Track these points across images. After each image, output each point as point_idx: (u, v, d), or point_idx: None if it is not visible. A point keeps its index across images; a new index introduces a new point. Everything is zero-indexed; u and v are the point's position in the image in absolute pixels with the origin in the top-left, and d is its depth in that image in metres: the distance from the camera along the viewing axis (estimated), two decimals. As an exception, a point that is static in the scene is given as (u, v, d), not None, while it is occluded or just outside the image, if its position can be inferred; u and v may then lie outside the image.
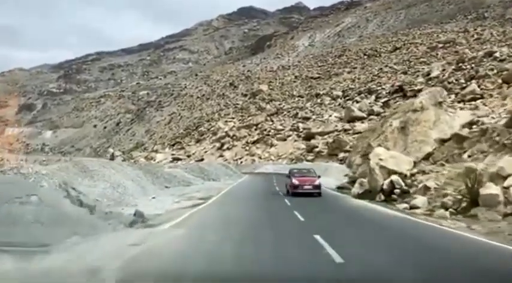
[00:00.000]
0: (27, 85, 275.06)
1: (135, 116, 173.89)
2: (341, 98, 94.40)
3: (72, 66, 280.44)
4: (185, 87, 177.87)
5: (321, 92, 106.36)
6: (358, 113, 75.42)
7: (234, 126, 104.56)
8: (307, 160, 63.93)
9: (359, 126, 68.90)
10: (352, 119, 74.81)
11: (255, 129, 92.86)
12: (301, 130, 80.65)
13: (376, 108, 76.62)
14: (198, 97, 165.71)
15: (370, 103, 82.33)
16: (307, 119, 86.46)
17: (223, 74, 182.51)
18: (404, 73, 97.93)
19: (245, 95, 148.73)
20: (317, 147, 67.69)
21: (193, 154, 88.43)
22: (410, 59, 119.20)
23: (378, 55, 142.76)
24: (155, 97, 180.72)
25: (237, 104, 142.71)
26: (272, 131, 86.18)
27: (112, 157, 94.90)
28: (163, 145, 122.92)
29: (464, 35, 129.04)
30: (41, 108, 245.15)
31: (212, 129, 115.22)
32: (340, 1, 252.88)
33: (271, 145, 79.28)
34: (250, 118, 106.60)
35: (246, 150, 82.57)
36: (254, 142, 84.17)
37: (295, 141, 77.19)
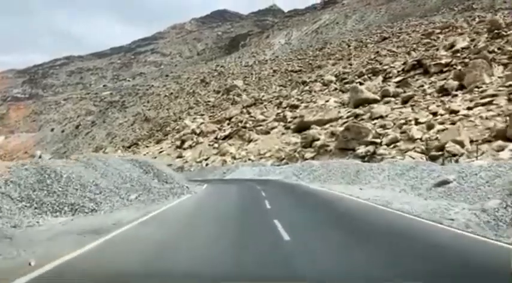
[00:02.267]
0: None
1: (96, 118, 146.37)
2: (335, 83, 69.21)
3: (39, 71, 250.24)
4: (152, 86, 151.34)
5: (308, 80, 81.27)
6: (368, 95, 50.35)
7: (202, 123, 78.48)
8: (306, 159, 38.39)
9: (378, 108, 43.68)
10: (361, 102, 49.68)
11: (228, 124, 66.89)
12: (289, 120, 55.13)
13: (391, 89, 51.71)
14: (165, 96, 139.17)
15: (379, 84, 57.55)
16: (296, 107, 61.07)
17: (195, 72, 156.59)
18: (413, 50, 73.77)
19: (218, 92, 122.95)
20: (318, 139, 42.33)
21: (144, 155, 62.31)
22: (407, 45, 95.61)
23: (364, 45, 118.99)
24: (119, 97, 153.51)
25: (209, 101, 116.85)
26: (250, 122, 60.44)
27: (39, 162, 68.36)
28: (120, 148, 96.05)
29: (465, 19, 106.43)
30: (3, 114, 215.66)
31: (177, 127, 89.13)
32: (314, 3, 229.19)
33: (250, 140, 53.37)
34: (222, 113, 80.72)
35: (214, 147, 56.35)
36: (226, 138, 57.96)
37: (283, 133, 51.58)
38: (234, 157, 49.18)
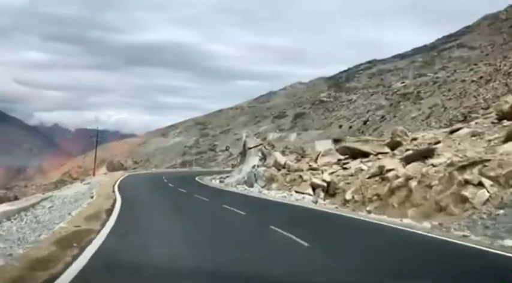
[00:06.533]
0: (303, 96, 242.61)
1: (386, 113, 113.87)
2: None
3: (342, 76, 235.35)
4: (454, 71, 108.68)
5: None
6: None
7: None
8: None
9: None
10: None
11: None
12: None
13: None
14: (472, 81, 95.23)
15: None
16: None
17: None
18: None
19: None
20: None
21: (416, 139, 26.80)
22: None
23: None
24: (413, 88, 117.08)
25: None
26: None
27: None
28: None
29: None
30: (307, 115, 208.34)
31: (487, 112, 48.29)
32: None
33: None
34: None
35: None
36: None
37: None
38: None
